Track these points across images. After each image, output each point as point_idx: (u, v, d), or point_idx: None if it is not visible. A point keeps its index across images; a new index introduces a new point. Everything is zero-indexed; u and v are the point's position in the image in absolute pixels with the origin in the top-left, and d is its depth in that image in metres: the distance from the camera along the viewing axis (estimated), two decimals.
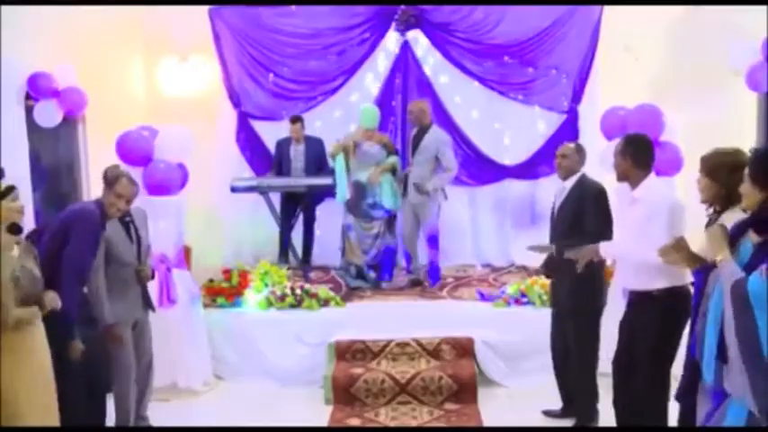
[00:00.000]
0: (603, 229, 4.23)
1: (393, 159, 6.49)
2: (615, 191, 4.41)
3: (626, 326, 3.95)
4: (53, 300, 3.46)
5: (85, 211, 4.02)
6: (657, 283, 3.70)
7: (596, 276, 4.36)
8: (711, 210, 3.32)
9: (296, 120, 7.05)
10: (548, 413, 4.78)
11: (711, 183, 3.26)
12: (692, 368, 3.11)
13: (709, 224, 3.41)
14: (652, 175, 3.87)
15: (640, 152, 3.84)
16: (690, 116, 5.92)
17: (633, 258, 3.80)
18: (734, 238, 2.82)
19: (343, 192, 6.40)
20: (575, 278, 4.18)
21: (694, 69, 6.46)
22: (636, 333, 3.85)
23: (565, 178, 4.48)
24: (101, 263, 4.11)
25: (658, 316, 3.71)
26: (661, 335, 3.73)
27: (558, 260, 4.37)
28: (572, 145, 4.57)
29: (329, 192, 6.73)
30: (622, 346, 3.96)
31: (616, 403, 4.05)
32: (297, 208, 7.02)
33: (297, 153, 7.11)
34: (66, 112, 5.68)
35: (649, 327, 3.75)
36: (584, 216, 4.29)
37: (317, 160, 7.03)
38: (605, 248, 4.03)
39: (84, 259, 3.91)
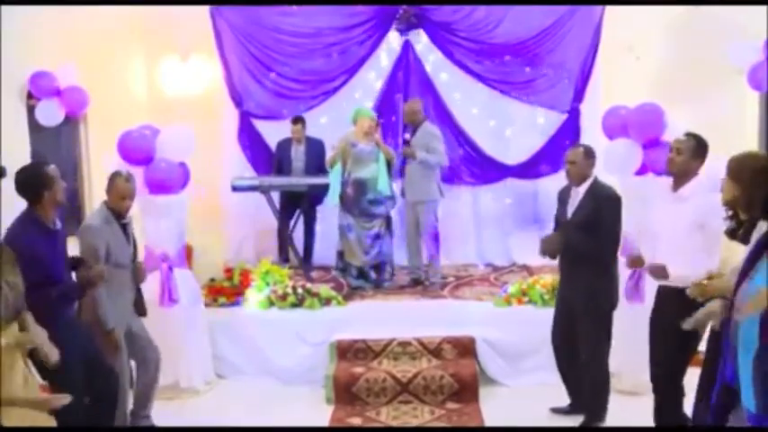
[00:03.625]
0: (617, 235, 4.26)
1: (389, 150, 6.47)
2: (656, 186, 4.36)
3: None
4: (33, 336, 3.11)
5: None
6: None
7: (612, 274, 4.36)
8: (731, 213, 3.27)
9: (297, 120, 7.09)
10: (556, 410, 4.75)
11: (732, 184, 3.16)
12: (725, 393, 2.94)
13: (727, 231, 3.36)
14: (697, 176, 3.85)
15: (705, 153, 3.83)
16: (692, 115, 5.90)
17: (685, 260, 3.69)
18: (758, 253, 2.73)
19: (335, 195, 6.44)
20: (590, 277, 4.19)
21: (696, 69, 6.45)
22: (662, 329, 3.83)
23: (577, 184, 4.35)
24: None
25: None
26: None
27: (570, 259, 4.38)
28: (580, 149, 4.37)
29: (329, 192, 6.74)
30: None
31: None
32: (296, 207, 7.02)
33: (297, 153, 7.14)
34: (67, 111, 5.69)
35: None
36: (601, 223, 4.22)
37: (318, 161, 7.03)
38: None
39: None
